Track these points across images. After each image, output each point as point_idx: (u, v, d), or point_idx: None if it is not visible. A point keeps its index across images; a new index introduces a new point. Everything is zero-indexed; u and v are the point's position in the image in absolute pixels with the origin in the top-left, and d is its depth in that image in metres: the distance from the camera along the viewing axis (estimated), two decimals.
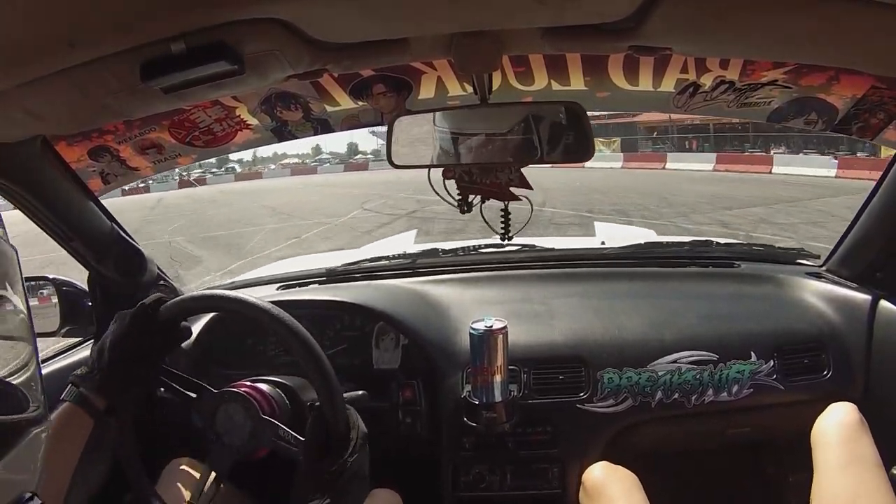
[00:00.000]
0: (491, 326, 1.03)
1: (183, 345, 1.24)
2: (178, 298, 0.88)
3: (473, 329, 1.04)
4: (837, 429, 0.97)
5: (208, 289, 1.03)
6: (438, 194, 0.92)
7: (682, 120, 20.99)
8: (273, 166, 35.41)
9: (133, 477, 0.89)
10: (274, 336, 0.88)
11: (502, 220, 0.97)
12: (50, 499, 0.71)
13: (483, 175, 0.92)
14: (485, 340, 1.03)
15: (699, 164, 18.61)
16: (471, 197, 0.94)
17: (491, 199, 0.94)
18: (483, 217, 0.97)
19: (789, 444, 1.19)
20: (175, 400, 0.97)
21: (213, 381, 1.19)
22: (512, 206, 0.96)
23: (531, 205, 0.94)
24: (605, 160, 21.07)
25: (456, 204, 0.94)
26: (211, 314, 1.26)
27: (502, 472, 1.13)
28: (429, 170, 0.93)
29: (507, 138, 0.88)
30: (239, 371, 1.17)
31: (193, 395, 0.92)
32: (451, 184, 0.95)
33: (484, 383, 1.05)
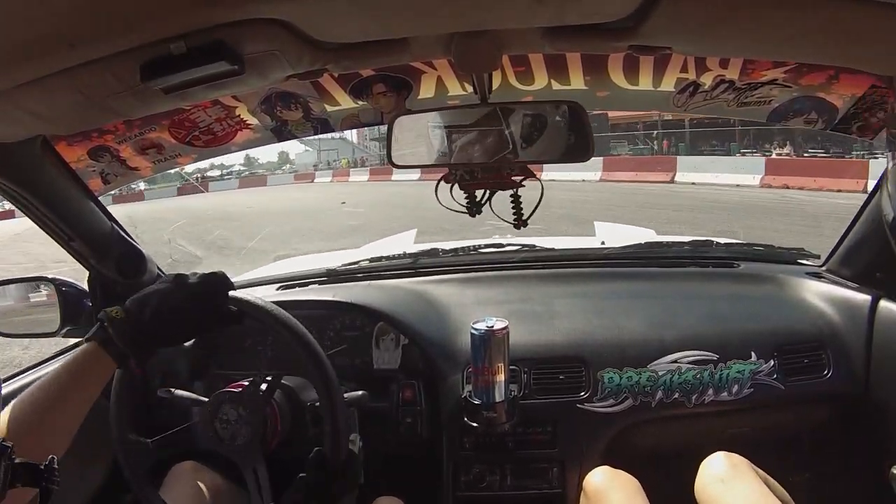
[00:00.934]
0: (492, 326, 1.03)
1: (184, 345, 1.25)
2: (243, 298, 0.88)
3: (475, 329, 1.04)
4: (715, 482, 0.94)
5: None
6: (441, 203, 0.90)
7: (650, 115, 15.92)
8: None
9: (133, 479, 0.89)
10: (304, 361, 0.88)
11: (513, 207, 0.95)
12: (61, 435, 0.72)
13: (483, 171, 0.91)
14: (486, 340, 1.03)
15: (732, 174, 11.22)
16: (478, 196, 0.93)
17: (497, 193, 0.91)
18: (493, 211, 0.94)
19: (789, 445, 1.19)
20: (174, 401, 0.98)
21: (212, 381, 1.19)
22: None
23: (542, 186, 0.91)
24: (574, 168, 12.29)
25: (465, 209, 0.92)
26: None
27: (502, 472, 1.13)
28: (437, 186, 0.90)
29: (506, 138, 0.88)
30: (239, 371, 1.17)
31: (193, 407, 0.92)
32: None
33: (485, 383, 1.05)
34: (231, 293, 0.87)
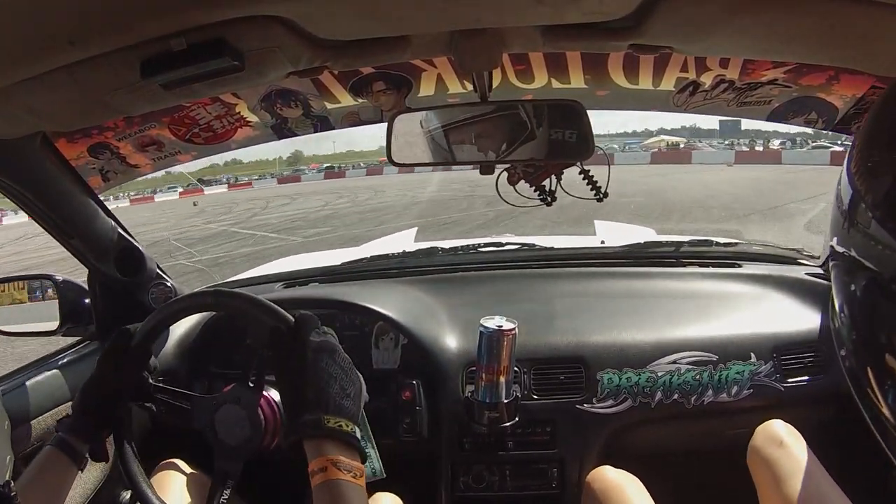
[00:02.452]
0: (501, 326, 1.02)
1: (180, 344, 1.25)
2: (144, 323, 0.85)
3: (484, 327, 1.03)
4: (772, 446, 0.96)
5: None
6: (508, 201, 0.91)
7: None
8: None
9: (134, 482, 0.89)
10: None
11: (587, 183, 0.95)
12: None
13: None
14: (494, 340, 1.02)
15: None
16: (546, 185, 0.93)
17: (563, 177, 0.93)
18: (567, 193, 0.95)
19: None
20: (171, 401, 0.97)
21: (211, 381, 1.19)
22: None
23: (608, 158, 0.92)
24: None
25: (539, 201, 0.93)
26: (207, 313, 1.26)
27: (501, 472, 1.12)
28: (496, 182, 0.89)
29: (506, 137, 0.88)
30: (237, 370, 1.17)
31: (187, 407, 0.91)
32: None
33: (489, 382, 1.05)
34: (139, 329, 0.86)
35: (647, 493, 0.98)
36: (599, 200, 0.96)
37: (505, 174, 0.92)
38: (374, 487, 1.03)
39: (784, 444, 0.95)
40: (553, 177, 0.93)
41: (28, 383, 1.05)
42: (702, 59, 1.00)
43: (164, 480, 0.99)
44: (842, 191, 0.32)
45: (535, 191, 0.93)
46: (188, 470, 1.04)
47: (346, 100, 1.12)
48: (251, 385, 0.90)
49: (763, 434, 0.99)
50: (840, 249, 0.33)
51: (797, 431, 0.98)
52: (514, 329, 1.03)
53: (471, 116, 0.88)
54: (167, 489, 0.98)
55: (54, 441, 0.78)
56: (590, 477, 1.04)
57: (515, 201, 0.91)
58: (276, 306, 0.77)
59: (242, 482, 0.88)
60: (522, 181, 0.91)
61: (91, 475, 1.11)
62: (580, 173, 0.94)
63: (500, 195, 0.90)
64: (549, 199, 0.94)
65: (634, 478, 1.01)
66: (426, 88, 1.10)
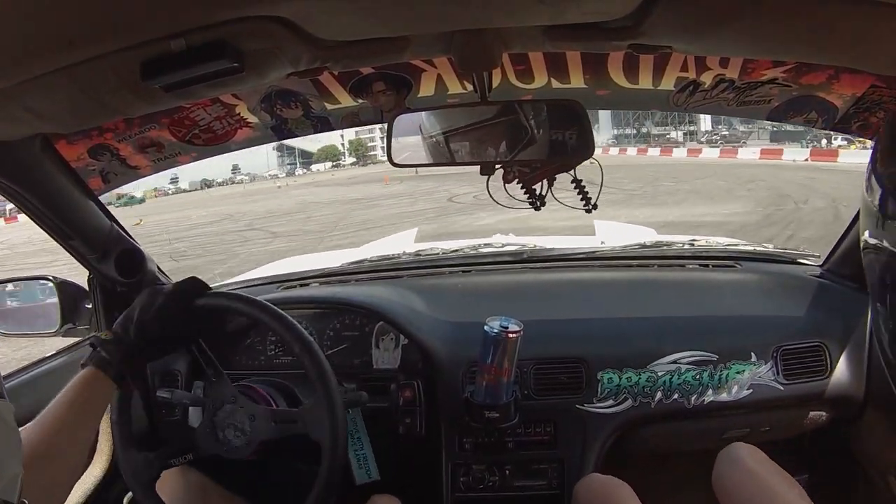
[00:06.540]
0: (507, 328, 1.01)
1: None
2: (218, 293, 0.92)
3: (488, 327, 1.02)
4: (734, 470, 0.91)
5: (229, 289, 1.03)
6: (498, 202, 0.91)
7: None
8: None
9: (137, 489, 0.89)
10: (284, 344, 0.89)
11: (578, 192, 0.95)
12: (74, 464, 0.75)
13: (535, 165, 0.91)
14: (499, 341, 1.01)
15: None
16: (536, 189, 0.93)
17: (555, 183, 0.93)
18: (557, 200, 0.95)
19: (789, 445, 1.19)
20: (172, 402, 0.97)
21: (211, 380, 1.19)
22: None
23: (601, 168, 0.92)
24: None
25: (528, 204, 0.93)
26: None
27: (502, 472, 1.12)
28: (487, 183, 0.90)
29: (507, 137, 0.88)
30: (238, 371, 1.17)
31: (213, 380, 0.91)
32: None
33: (490, 383, 1.04)
34: (208, 293, 0.90)
35: (637, 500, 0.96)
36: (588, 212, 0.96)
37: (501, 171, 0.91)
38: (373, 488, 1.03)
39: (746, 469, 0.90)
40: (545, 181, 0.92)
41: (27, 384, 1.05)
42: (702, 58, 1.00)
43: (164, 483, 0.99)
44: (871, 189, 0.33)
45: (524, 193, 0.93)
46: (189, 472, 1.04)
47: (346, 100, 1.12)
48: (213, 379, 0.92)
49: (724, 458, 0.94)
50: (873, 242, 0.33)
51: (762, 453, 0.93)
52: (519, 331, 1.02)
53: (472, 123, 0.87)
54: (169, 492, 0.97)
55: (95, 361, 0.79)
56: (578, 485, 1.01)
57: (504, 201, 0.91)
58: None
59: (242, 480, 0.88)
60: (516, 181, 0.91)
61: (91, 475, 1.11)
62: (572, 182, 0.93)
63: (490, 194, 0.90)
64: (538, 203, 0.93)
65: (624, 484, 0.98)
66: (426, 89, 1.10)
